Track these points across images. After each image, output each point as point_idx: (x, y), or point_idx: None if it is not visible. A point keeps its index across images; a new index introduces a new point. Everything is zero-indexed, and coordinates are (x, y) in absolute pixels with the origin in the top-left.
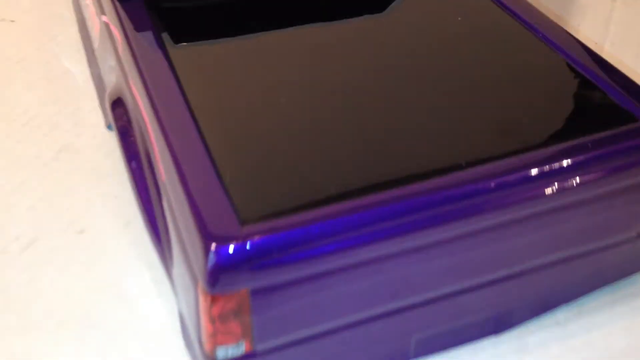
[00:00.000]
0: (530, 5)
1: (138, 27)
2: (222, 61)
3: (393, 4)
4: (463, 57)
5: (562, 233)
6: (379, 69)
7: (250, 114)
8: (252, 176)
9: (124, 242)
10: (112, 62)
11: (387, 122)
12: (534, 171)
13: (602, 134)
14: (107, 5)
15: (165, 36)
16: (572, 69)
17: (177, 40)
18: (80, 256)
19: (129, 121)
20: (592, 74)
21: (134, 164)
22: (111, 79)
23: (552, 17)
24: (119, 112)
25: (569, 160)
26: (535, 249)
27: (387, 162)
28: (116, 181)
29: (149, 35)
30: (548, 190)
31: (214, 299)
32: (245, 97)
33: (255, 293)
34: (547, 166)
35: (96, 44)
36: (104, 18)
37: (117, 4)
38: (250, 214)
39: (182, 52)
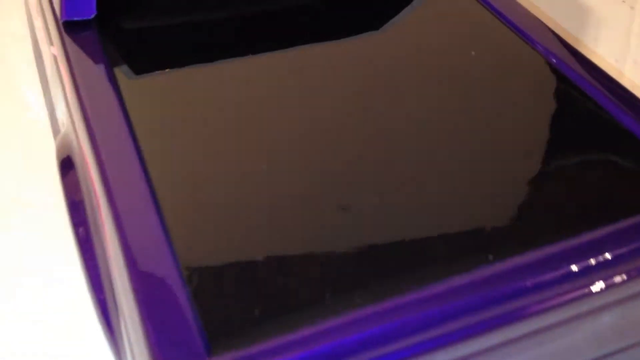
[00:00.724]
0: (546, 28)
1: (89, 67)
2: (191, 112)
3: (385, 25)
4: (474, 105)
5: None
6: (367, 116)
7: (224, 191)
8: (223, 286)
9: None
10: (62, 105)
11: (384, 198)
12: (580, 264)
13: None
14: (54, 35)
15: (123, 78)
16: (603, 116)
17: (137, 82)
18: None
19: (81, 194)
20: (627, 121)
21: (87, 259)
22: (63, 122)
23: (563, 33)
24: (69, 178)
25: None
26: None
27: (389, 257)
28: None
29: (101, 77)
30: (593, 288)
31: None
32: (217, 164)
33: None
34: (594, 258)
35: (49, 74)
36: (53, 50)
37: (64, 34)
38: (221, 341)
39: (143, 101)
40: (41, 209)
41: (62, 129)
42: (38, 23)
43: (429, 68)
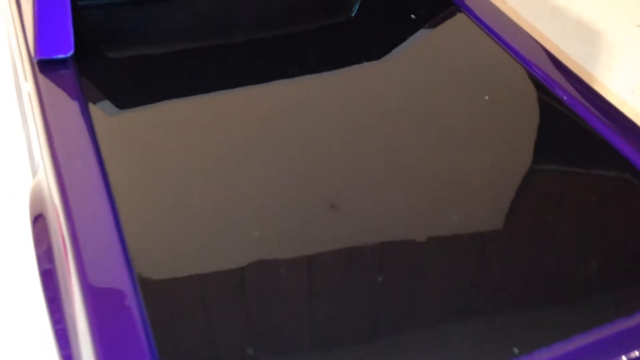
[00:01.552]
0: (555, 61)
1: (64, 110)
2: (171, 159)
3: (387, 56)
4: (478, 150)
5: None
6: (363, 165)
7: (201, 247)
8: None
9: None
10: (37, 147)
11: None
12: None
13: None
14: (29, 71)
15: (100, 122)
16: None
17: (115, 126)
18: None
19: (51, 246)
20: None
21: (54, 312)
22: (38, 163)
23: (571, 63)
24: (42, 243)
25: None
26: None
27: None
28: None
29: (77, 121)
30: None
31: None
32: (198, 219)
33: None
34: None
35: (26, 110)
36: (28, 86)
37: (38, 72)
38: None
39: (121, 148)
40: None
41: (37, 171)
42: (16, 54)
43: (430, 102)
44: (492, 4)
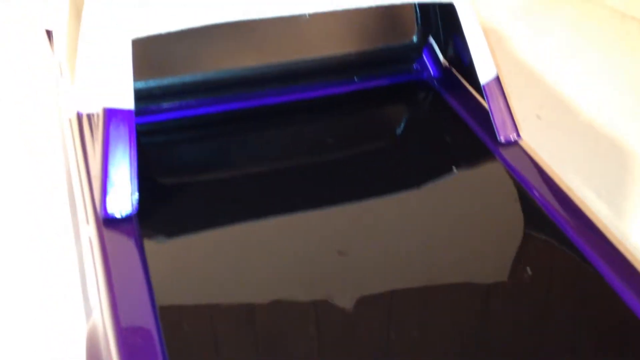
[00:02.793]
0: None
1: (125, 264)
2: (227, 315)
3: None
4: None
5: None
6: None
7: None
8: None
9: None
10: (95, 294)
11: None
12: None
13: None
14: (91, 215)
15: (159, 277)
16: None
17: (174, 281)
18: None
19: None
20: None
21: None
22: (94, 305)
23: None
24: None
25: None
26: None
27: None
28: None
29: (136, 275)
30: None
31: None
32: None
33: None
34: None
35: (84, 249)
36: (89, 230)
37: (101, 222)
38: None
39: (179, 305)
40: None
41: (92, 313)
42: (77, 192)
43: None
44: (527, 156)
